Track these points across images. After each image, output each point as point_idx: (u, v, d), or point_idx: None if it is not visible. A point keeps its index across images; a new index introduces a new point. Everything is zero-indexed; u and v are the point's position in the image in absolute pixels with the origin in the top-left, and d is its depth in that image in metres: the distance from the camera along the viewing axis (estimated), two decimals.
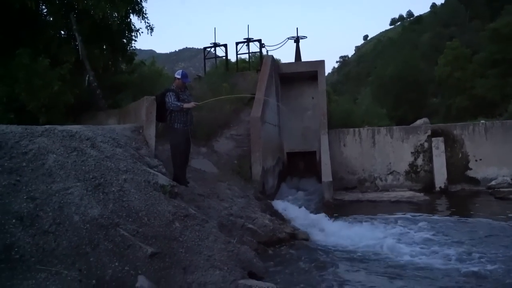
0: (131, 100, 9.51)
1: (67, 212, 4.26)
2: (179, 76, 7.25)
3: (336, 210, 10.33)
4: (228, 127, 11.55)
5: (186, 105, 7.01)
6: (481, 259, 6.19)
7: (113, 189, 4.95)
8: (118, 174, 5.25)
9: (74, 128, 5.77)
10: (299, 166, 14.48)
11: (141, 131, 7.12)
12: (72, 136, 5.45)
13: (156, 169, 6.28)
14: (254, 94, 8.25)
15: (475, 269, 5.76)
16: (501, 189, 12.03)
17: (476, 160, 13.23)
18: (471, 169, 13.26)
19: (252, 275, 5.11)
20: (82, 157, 5.16)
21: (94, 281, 3.76)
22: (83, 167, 4.99)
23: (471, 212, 9.92)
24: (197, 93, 11.90)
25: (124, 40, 12.11)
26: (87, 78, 10.39)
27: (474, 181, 13.12)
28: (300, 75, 14.41)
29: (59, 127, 5.61)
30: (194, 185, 7.56)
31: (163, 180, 5.88)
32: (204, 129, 10.21)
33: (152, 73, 14.61)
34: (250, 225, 7.17)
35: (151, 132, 7.14)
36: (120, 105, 10.09)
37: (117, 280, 3.90)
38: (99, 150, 5.53)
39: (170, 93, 7.07)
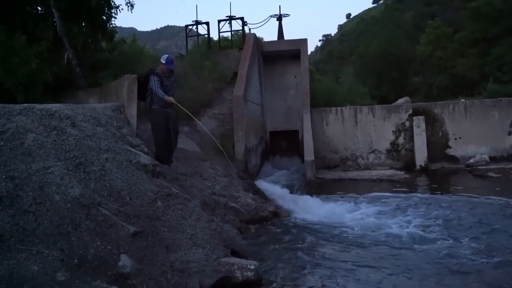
0: (112, 78, 9.37)
1: (47, 192, 4.21)
2: (163, 61, 7.16)
3: (318, 188, 10.43)
4: (210, 106, 11.49)
5: (167, 98, 6.95)
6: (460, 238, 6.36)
7: (94, 168, 4.91)
8: (99, 153, 5.20)
9: (53, 106, 5.67)
10: (282, 145, 14.52)
11: (122, 110, 7.03)
12: (51, 115, 5.36)
13: (138, 148, 6.23)
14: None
15: (453, 248, 5.93)
16: (479, 167, 12.27)
17: (455, 139, 13.42)
18: (450, 147, 13.46)
19: (234, 253, 5.15)
20: (62, 136, 5.09)
21: (76, 260, 3.75)
22: (64, 146, 4.93)
23: (450, 190, 10.12)
24: (179, 71, 11.76)
25: (104, 17, 11.88)
26: (66, 56, 10.19)
27: (453, 159, 13.33)
28: (283, 54, 14.34)
29: (38, 106, 5.51)
30: (176, 165, 7.54)
31: (145, 159, 5.85)
32: (186, 108, 10.13)
33: (134, 51, 14.38)
34: (233, 204, 7.21)
35: (132, 111, 7.06)
36: (101, 83, 9.93)
37: (100, 259, 3.89)
38: (79, 129, 5.46)
39: (155, 78, 6.98)
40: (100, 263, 3.86)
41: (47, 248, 3.72)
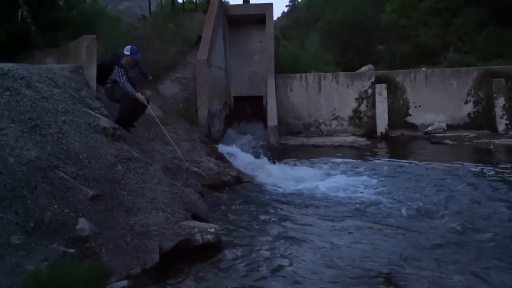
0: (71, 39, 9.02)
1: (0, 154, 4.09)
2: (128, 53, 6.89)
3: (281, 154, 10.52)
4: (173, 70, 11.27)
5: (138, 96, 6.78)
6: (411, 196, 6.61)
7: (51, 131, 4.79)
8: (57, 116, 5.07)
9: (6, 66, 5.43)
10: (246, 110, 14.48)
11: (81, 71, 6.82)
12: (4, 75, 5.14)
13: (97, 111, 6.10)
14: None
15: (410, 206, 6.15)
16: (437, 134, 12.70)
17: (415, 107, 13.74)
18: (410, 115, 13.78)
19: (195, 217, 5.19)
20: (16, 97, 4.91)
21: (32, 224, 3.70)
22: (18, 108, 4.76)
23: (408, 156, 10.43)
24: (142, 34, 11.46)
25: None
26: (20, 13, 9.69)
27: (413, 126, 13.69)
28: (248, 18, 14.13)
29: None
30: (138, 129, 7.43)
31: (105, 122, 5.75)
32: (149, 71, 9.93)
33: (94, 11, 13.80)
34: (195, 169, 7.21)
35: (92, 73, 6.86)
36: (59, 44, 9.54)
37: (57, 222, 3.85)
38: (35, 90, 5.27)
39: (121, 70, 6.79)
40: (57, 226, 3.83)
41: (0, 211, 3.64)
